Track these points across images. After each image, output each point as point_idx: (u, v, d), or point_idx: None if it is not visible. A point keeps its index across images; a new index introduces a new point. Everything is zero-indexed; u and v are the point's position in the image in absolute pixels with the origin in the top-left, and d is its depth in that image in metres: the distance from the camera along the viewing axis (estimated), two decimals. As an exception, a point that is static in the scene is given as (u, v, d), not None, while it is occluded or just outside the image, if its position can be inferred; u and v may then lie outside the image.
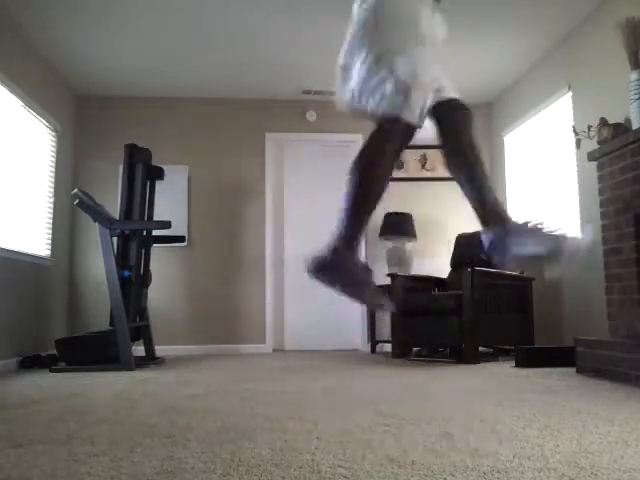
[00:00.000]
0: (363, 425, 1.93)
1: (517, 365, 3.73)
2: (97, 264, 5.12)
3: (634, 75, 3.30)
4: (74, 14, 3.98)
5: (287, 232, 5.65)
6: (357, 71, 1.63)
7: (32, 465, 1.49)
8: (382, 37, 1.64)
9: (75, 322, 5.17)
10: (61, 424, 2.02)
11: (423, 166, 5.68)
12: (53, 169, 4.91)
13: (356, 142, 4.91)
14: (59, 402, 2.52)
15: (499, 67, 5.00)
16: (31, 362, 4.09)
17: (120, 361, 3.82)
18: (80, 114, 5.47)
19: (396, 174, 4.88)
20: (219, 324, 5.33)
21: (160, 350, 4.81)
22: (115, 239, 4.15)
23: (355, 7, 1.72)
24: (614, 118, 3.65)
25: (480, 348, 4.14)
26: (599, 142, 3.54)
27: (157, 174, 4.57)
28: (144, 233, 4.43)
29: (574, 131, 3.90)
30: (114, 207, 5.10)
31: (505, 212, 1.64)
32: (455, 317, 4.06)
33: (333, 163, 5.63)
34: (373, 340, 5.10)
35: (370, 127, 1.62)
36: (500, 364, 3.90)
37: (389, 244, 5.35)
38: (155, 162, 4.72)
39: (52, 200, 4.87)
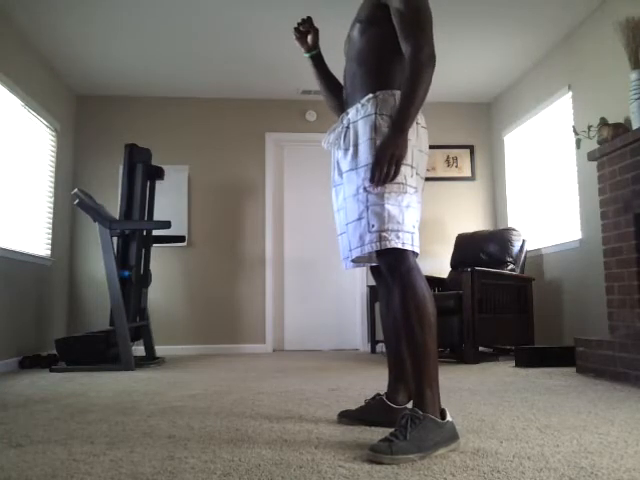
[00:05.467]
0: (363, 425, 1.93)
1: (517, 365, 3.73)
2: (97, 264, 5.13)
3: (634, 75, 3.30)
4: (74, 14, 3.98)
5: (287, 232, 5.65)
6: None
7: (32, 465, 1.49)
8: None
9: (75, 322, 5.17)
10: (61, 424, 2.02)
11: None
12: (53, 169, 4.91)
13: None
14: (59, 402, 2.52)
15: (499, 67, 5.00)
16: (31, 362, 4.09)
17: (120, 361, 3.82)
18: (80, 114, 5.47)
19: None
20: (219, 324, 5.33)
21: (160, 350, 4.82)
22: (115, 239, 4.15)
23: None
24: (614, 118, 3.65)
25: (480, 348, 4.14)
26: (599, 142, 3.54)
27: (157, 174, 4.57)
28: (144, 233, 4.43)
29: (574, 131, 3.90)
30: (114, 207, 5.11)
31: None
32: (455, 317, 4.06)
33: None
34: (373, 340, 5.10)
35: None
36: (500, 364, 3.90)
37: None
38: (155, 162, 4.73)
39: (52, 200, 4.87)
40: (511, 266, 4.60)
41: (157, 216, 4.91)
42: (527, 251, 4.74)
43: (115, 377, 3.42)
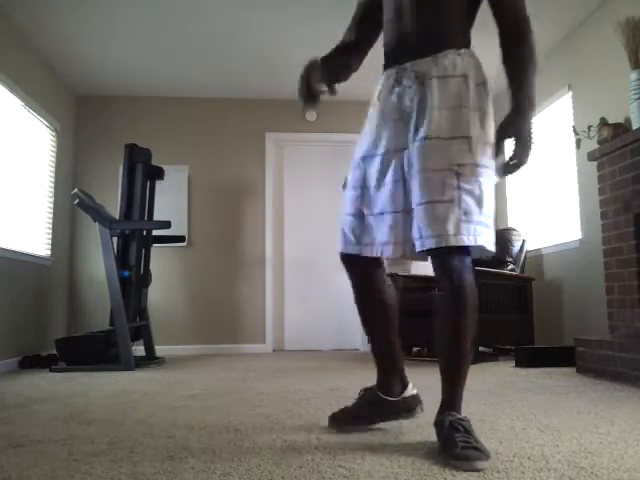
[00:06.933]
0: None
1: (517, 365, 3.73)
2: (97, 264, 5.12)
3: (634, 75, 3.30)
4: (74, 14, 3.98)
5: (287, 232, 5.65)
6: None
7: (32, 465, 1.49)
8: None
9: (75, 322, 5.17)
10: (61, 424, 2.02)
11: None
12: (53, 169, 4.91)
13: (356, 142, 4.90)
14: (59, 402, 2.52)
15: (499, 67, 4.98)
16: (31, 362, 4.08)
17: (120, 361, 3.82)
18: (80, 114, 5.47)
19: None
20: (219, 324, 5.33)
21: (160, 350, 4.81)
22: (115, 239, 4.14)
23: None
24: (614, 118, 3.65)
25: (480, 348, 4.14)
26: (599, 142, 3.54)
27: (157, 174, 4.57)
28: (144, 233, 4.43)
29: (574, 131, 3.90)
30: (114, 207, 5.10)
31: None
32: (455, 317, 4.05)
33: (333, 163, 5.64)
34: (373, 340, 5.09)
35: None
36: (500, 364, 3.90)
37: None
38: (155, 162, 4.72)
39: (52, 200, 4.87)
40: (511, 266, 4.59)
41: (157, 216, 4.90)
42: (527, 251, 4.74)
43: (115, 377, 3.42)
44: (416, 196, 1.54)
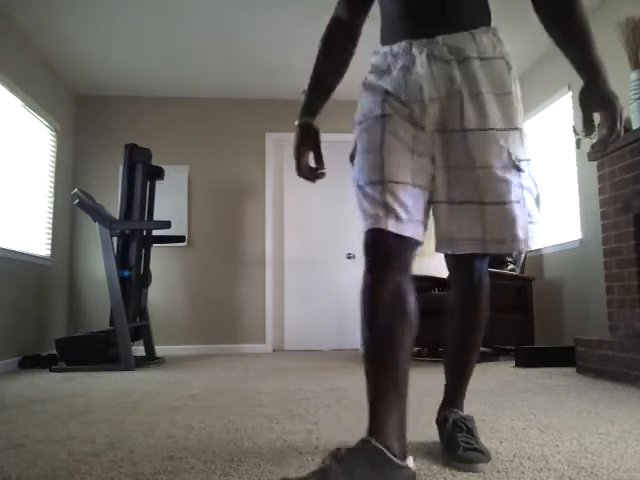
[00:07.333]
0: (363, 425, 1.93)
1: (517, 365, 3.73)
2: (97, 264, 5.12)
3: (634, 75, 3.30)
4: (74, 14, 3.98)
5: (287, 232, 5.65)
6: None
7: (32, 465, 1.49)
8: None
9: (75, 322, 5.17)
10: (61, 424, 2.02)
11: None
12: (53, 169, 4.91)
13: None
14: (59, 402, 2.52)
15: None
16: (31, 362, 4.08)
17: (120, 361, 3.82)
18: (80, 114, 5.47)
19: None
20: (219, 324, 5.33)
21: (160, 350, 4.81)
22: (115, 239, 4.15)
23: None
24: (614, 118, 3.64)
25: (480, 348, 4.14)
26: (599, 142, 3.54)
27: (157, 174, 4.57)
28: (144, 233, 4.43)
29: (574, 131, 3.89)
30: (114, 207, 5.10)
31: None
32: (455, 317, 4.05)
33: (333, 163, 5.62)
34: (373, 340, 5.09)
35: None
36: (500, 364, 3.90)
37: (389, 244, 5.34)
38: (155, 162, 4.72)
39: (52, 200, 4.87)
40: (511, 266, 4.59)
41: (157, 216, 4.90)
42: (527, 251, 4.73)
43: (115, 377, 3.42)
44: (475, 193, 1.32)
